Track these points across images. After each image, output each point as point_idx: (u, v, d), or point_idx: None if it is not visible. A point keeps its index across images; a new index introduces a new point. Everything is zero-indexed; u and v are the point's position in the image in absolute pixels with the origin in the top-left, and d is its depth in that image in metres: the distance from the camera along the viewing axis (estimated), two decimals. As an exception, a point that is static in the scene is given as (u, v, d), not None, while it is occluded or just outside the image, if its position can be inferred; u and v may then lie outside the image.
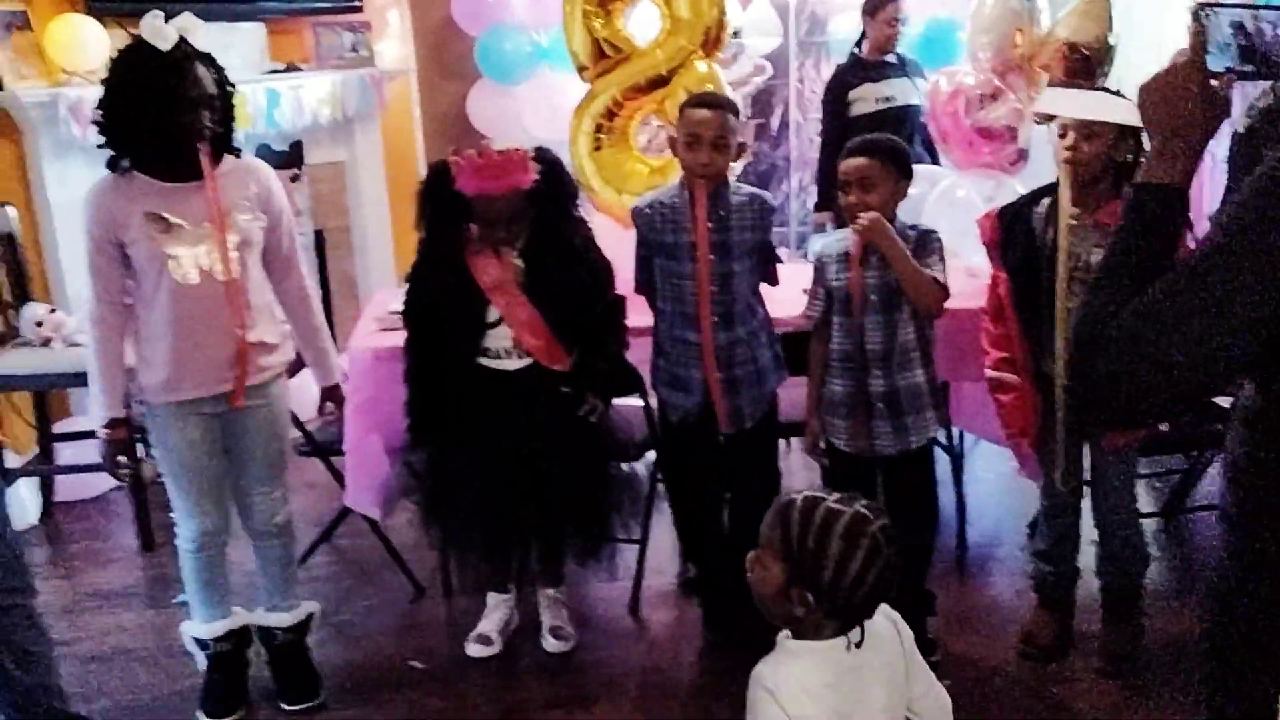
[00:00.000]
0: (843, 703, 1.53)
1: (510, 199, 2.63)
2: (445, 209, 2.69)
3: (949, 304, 2.69)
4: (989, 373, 2.78)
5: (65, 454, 3.97)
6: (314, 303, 2.82)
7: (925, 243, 2.64)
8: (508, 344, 2.73)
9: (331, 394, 2.91)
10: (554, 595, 3.05)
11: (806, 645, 1.56)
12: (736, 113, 2.74)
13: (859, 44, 4.83)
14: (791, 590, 1.54)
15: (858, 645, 1.54)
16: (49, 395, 3.94)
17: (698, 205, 2.68)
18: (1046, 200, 2.65)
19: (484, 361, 2.75)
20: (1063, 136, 2.55)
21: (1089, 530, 2.87)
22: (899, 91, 4.61)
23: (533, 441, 2.73)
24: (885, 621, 1.63)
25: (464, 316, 2.72)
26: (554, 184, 2.71)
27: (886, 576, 1.53)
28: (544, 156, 2.69)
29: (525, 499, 2.77)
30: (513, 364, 2.75)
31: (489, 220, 2.66)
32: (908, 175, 2.65)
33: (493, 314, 2.72)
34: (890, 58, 4.76)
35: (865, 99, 4.70)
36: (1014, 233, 2.68)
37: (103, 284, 2.50)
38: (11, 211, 3.82)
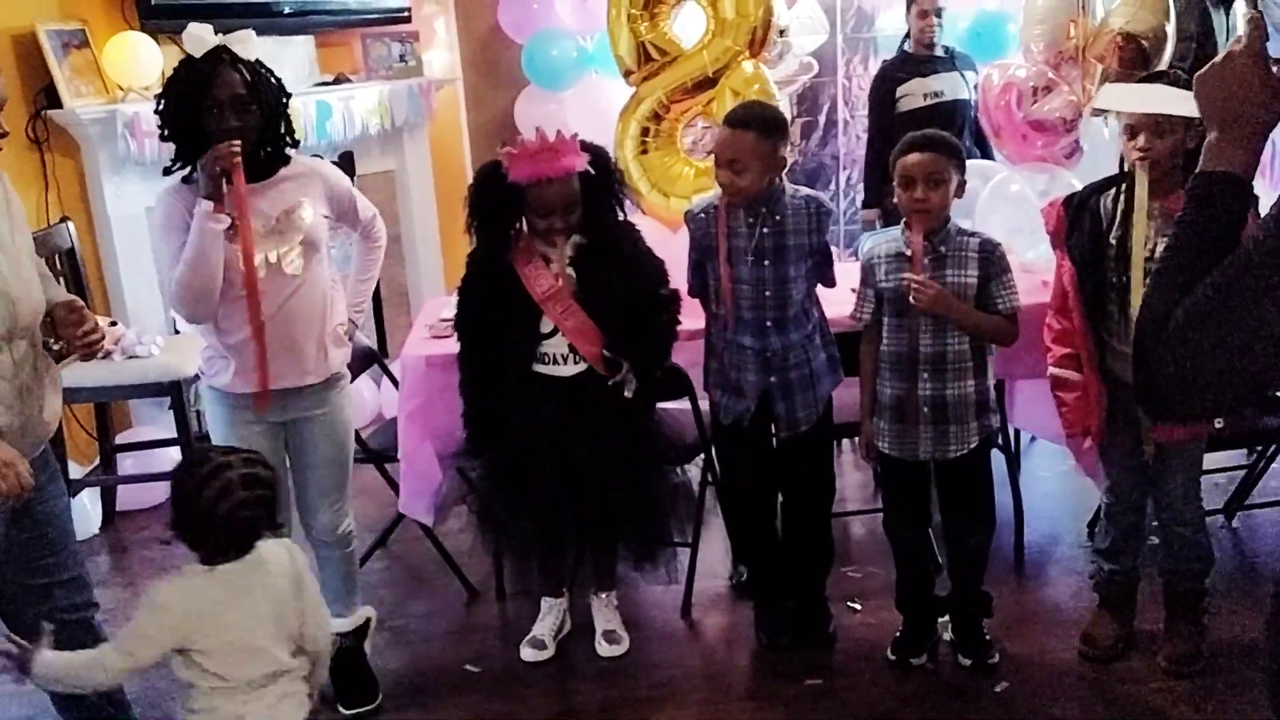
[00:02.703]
0: (229, 612, 1.95)
1: (564, 184, 2.62)
2: (497, 210, 2.69)
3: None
4: (1052, 370, 2.73)
5: (126, 464, 4.05)
6: (367, 260, 2.87)
7: (993, 260, 2.61)
8: (564, 350, 2.74)
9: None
10: (606, 599, 3.06)
11: (199, 569, 1.98)
12: (770, 129, 2.64)
13: (906, 38, 4.80)
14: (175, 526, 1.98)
15: (227, 564, 1.96)
16: (110, 407, 4.01)
17: (719, 220, 2.66)
18: (1113, 190, 2.60)
19: (539, 368, 2.76)
20: (1131, 138, 2.50)
21: (1150, 529, 2.82)
22: (947, 86, 4.56)
23: (588, 446, 2.74)
24: (280, 549, 2.06)
25: (518, 327, 2.72)
26: (602, 171, 2.71)
27: (242, 512, 1.92)
28: (588, 145, 2.70)
29: (580, 503, 2.78)
30: (568, 370, 2.75)
31: (545, 209, 2.63)
32: (964, 171, 2.62)
33: (546, 324, 2.72)
34: (939, 51, 4.71)
35: (913, 94, 4.64)
36: (1080, 222, 2.63)
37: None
38: (71, 227, 3.90)
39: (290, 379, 2.59)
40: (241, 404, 2.59)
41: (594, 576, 3.07)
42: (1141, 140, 2.47)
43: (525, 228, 2.73)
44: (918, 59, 4.70)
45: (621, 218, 2.80)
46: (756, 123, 2.64)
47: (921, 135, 2.62)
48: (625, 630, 3.03)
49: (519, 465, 2.79)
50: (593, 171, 2.67)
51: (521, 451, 2.78)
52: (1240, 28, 1.30)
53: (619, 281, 2.72)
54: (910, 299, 2.55)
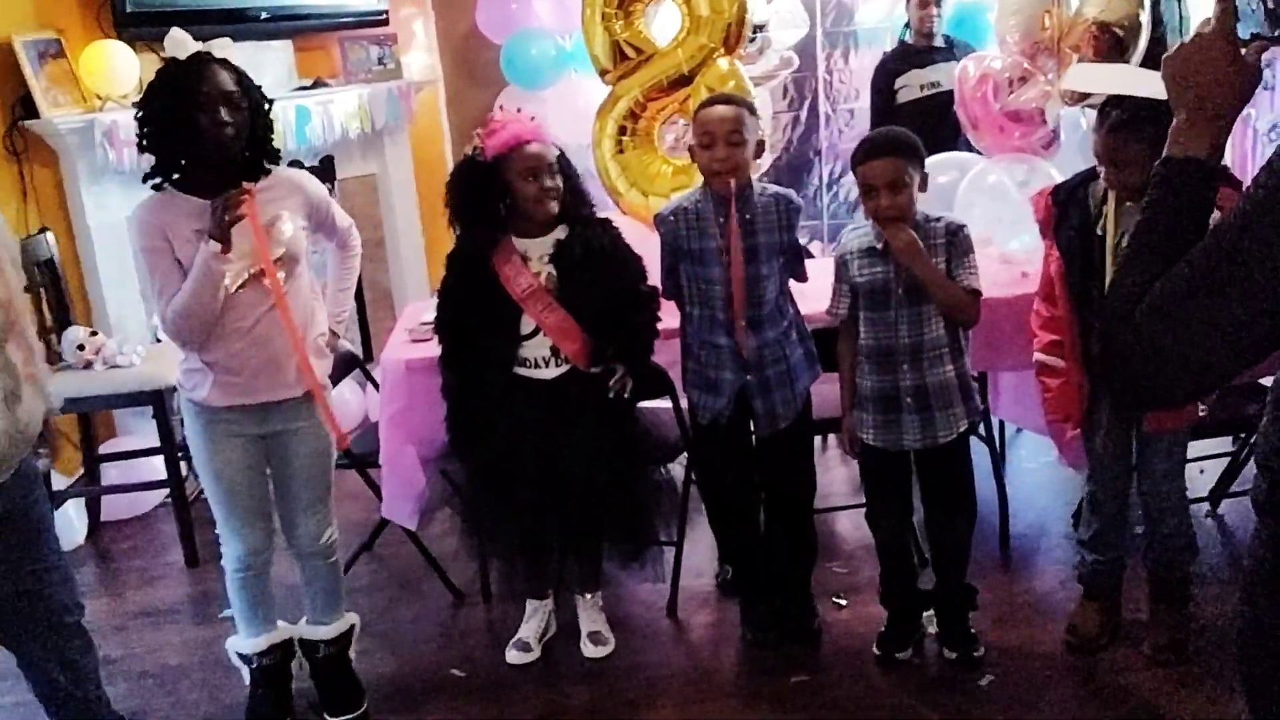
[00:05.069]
0: None
1: (544, 147, 2.66)
2: (479, 198, 2.68)
3: (986, 294, 2.66)
4: (1037, 356, 2.73)
5: (111, 474, 4.04)
6: (344, 270, 2.88)
7: (956, 242, 2.60)
8: (545, 353, 2.74)
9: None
10: (592, 600, 3.05)
11: None
12: (752, 110, 2.71)
13: (906, 29, 4.84)
14: None
15: None
16: (93, 417, 4.00)
17: (729, 204, 2.65)
18: (1100, 180, 2.60)
19: (521, 371, 2.76)
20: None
21: (1133, 517, 2.81)
22: (945, 76, 4.57)
23: (571, 449, 2.74)
24: None
25: (498, 329, 2.72)
26: (566, 163, 2.74)
27: None
28: None
29: (564, 505, 2.78)
30: (550, 373, 2.75)
31: (533, 169, 2.63)
32: (924, 164, 2.61)
33: (527, 325, 2.72)
34: (938, 42, 4.74)
35: (910, 85, 4.71)
36: (1068, 212, 2.63)
37: (172, 289, 2.45)
38: (50, 237, 3.88)
39: (269, 392, 2.57)
40: (220, 417, 2.57)
41: (579, 578, 3.07)
42: (1105, 172, 2.48)
43: (507, 217, 2.72)
44: (916, 50, 4.74)
45: (595, 212, 2.81)
46: (741, 100, 2.74)
47: (876, 140, 2.62)
48: (611, 631, 3.02)
49: (502, 468, 2.79)
50: (558, 151, 2.72)
51: (504, 454, 2.78)
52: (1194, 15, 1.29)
53: (599, 279, 2.72)
54: (887, 236, 2.54)
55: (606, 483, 2.78)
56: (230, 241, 2.39)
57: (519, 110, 2.75)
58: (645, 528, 2.93)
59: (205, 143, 2.42)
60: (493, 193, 2.68)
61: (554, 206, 2.69)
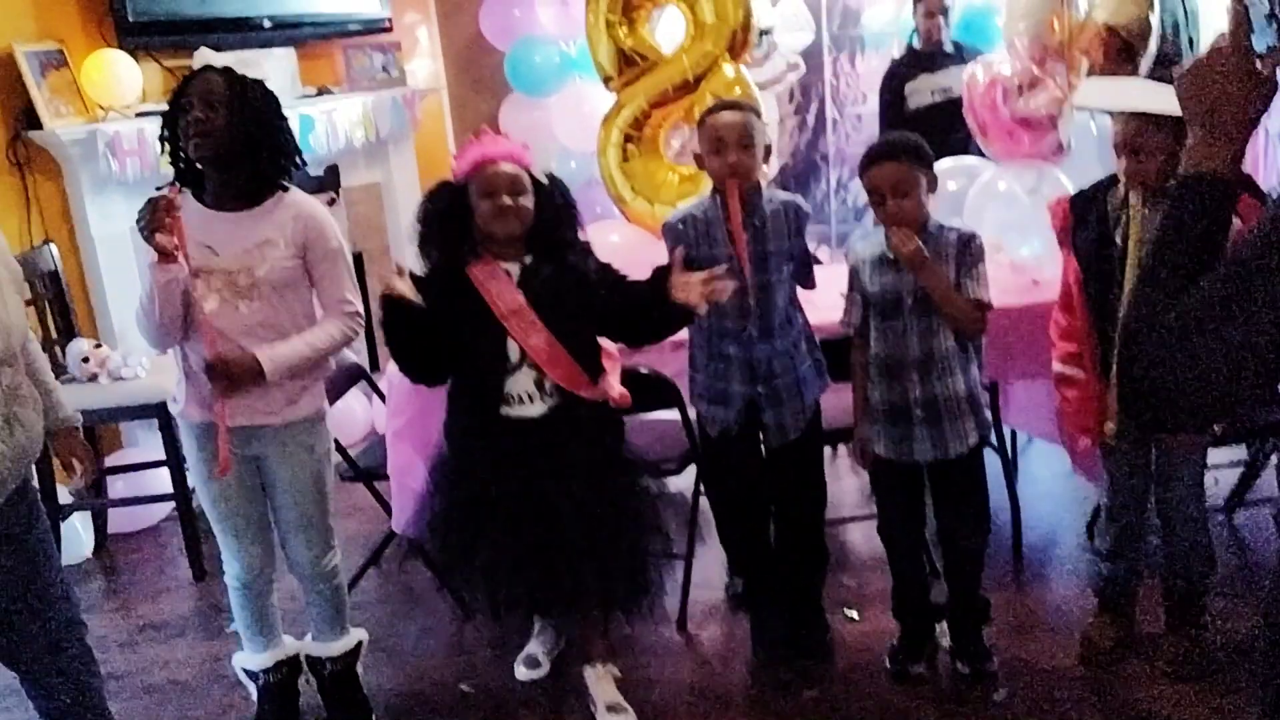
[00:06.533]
0: None
1: (512, 170, 2.50)
2: (446, 221, 2.56)
3: (997, 302, 2.63)
4: (1056, 367, 2.70)
5: (117, 487, 4.02)
6: (322, 330, 2.57)
7: (967, 252, 2.57)
8: (529, 387, 2.56)
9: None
10: (603, 670, 2.80)
11: None
12: (758, 114, 2.68)
13: (914, 34, 4.84)
14: None
15: None
16: (99, 429, 3.98)
17: (731, 208, 2.61)
18: (1119, 187, 2.56)
19: (505, 410, 2.57)
20: (1119, 155, 2.48)
21: (1150, 528, 2.78)
22: (956, 82, 4.55)
23: (558, 489, 2.55)
24: None
25: (482, 356, 2.55)
26: (560, 192, 2.62)
27: None
28: (548, 175, 2.63)
29: (554, 546, 2.57)
30: (536, 409, 2.56)
31: (490, 188, 2.48)
32: (932, 168, 2.58)
33: (514, 353, 2.54)
34: (947, 47, 4.74)
35: (921, 91, 4.70)
36: (1087, 219, 2.60)
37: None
38: (54, 249, 3.86)
39: (244, 416, 2.50)
40: (202, 432, 2.54)
41: (581, 648, 2.85)
42: (1124, 163, 2.45)
43: (480, 241, 2.57)
44: (925, 56, 4.74)
45: (572, 235, 2.64)
46: (747, 105, 2.72)
47: (881, 145, 2.60)
48: (628, 703, 2.75)
49: (483, 519, 2.60)
50: (545, 182, 2.58)
51: (486, 499, 2.59)
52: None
53: (571, 299, 2.55)
54: (892, 239, 2.50)
55: (600, 541, 2.57)
56: (170, 252, 2.34)
57: (498, 133, 2.63)
58: (643, 573, 2.69)
59: (187, 143, 2.42)
60: (461, 213, 2.54)
61: (514, 226, 2.51)
